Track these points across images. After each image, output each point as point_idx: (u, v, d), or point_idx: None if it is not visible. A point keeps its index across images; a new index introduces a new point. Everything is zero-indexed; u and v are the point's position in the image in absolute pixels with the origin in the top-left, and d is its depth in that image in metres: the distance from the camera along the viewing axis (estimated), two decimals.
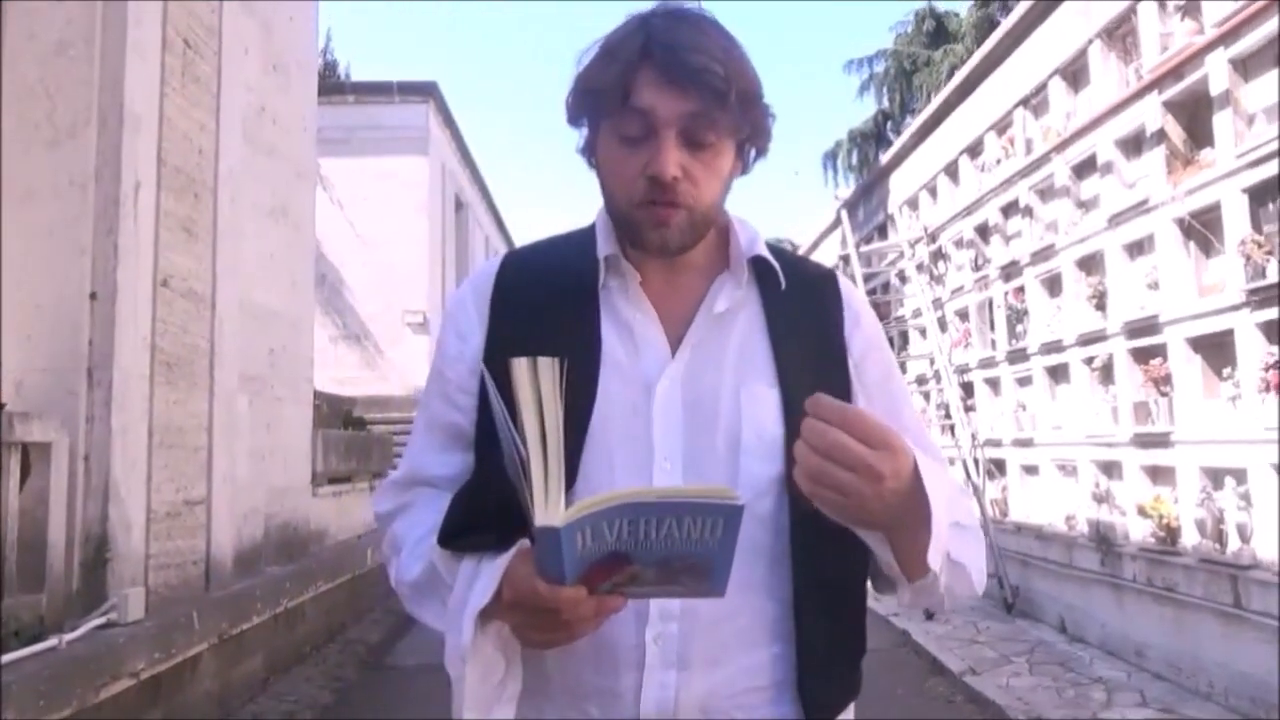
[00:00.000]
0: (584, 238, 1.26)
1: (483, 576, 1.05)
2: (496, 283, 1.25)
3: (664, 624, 1.10)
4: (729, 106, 1.10)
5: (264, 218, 6.85)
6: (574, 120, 1.22)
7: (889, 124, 26.27)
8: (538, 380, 0.95)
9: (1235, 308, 5.46)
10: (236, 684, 5.68)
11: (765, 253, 1.23)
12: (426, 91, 16.12)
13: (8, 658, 3.83)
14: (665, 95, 1.09)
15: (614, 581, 0.95)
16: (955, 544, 1.09)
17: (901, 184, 11.54)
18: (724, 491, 0.90)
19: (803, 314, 1.24)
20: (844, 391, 1.21)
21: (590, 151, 1.21)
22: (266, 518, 6.59)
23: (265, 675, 6.11)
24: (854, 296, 1.31)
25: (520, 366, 0.95)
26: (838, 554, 1.15)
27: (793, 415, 1.12)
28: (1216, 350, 5.78)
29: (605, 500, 0.88)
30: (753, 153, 1.22)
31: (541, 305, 1.20)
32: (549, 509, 0.90)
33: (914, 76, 25.73)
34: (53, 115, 4.83)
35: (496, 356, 1.07)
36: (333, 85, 15.62)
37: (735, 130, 1.14)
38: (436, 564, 1.14)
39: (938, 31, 26.43)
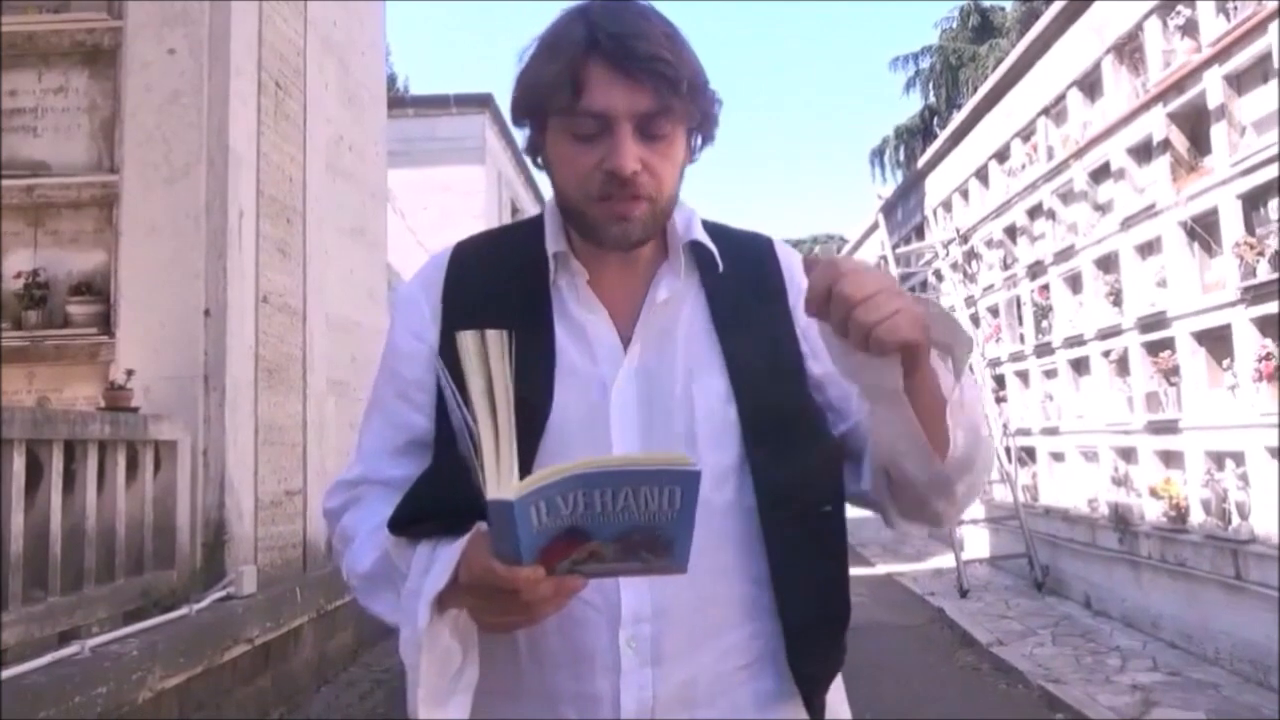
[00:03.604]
0: (533, 230, 1.22)
1: (439, 561, 1.01)
2: (447, 280, 1.22)
3: (636, 626, 1.08)
4: (682, 95, 1.08)
5: (344, 237, 7.57)
6: (518, 120, 1.18)
7: (935, 120, 26.46)
8: (485, 353, 0.92)
9: (1232, 304, 5.94)
10: (332, 654, 6.40)
11: (701, 236, 1.21)
12: (482, 103, 16.60)
13: (152, 622, 4.54)
14: (617, 88, 1.06)
15: (573, 560, 0.92)
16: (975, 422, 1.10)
17: (936, 187, 12.06)
18: (679, 458, 0.88)
19: (745, 293, 1.22)
20: (795, 364, 1.20)
21: (535, 151, 1.18)
22: None
23: (355, 647, 6.83)
24: (795, 263, 1.27)
25: (467, 340, 0.93)
26: (809, 529, 1.14)
27: (743, 401, 1.14)
28: (1218, 343, 6.26)
29: (559, 471, 0.86)
30: (699, 140, 1.19)
31: (494, 307, 1.16)
32: (501, 482, 0.87)
33: (960, 72, 25.92)
34: (169, 157, 5.54)
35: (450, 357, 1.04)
36: (392, 99, 16.15)
37: (688, 118, 1.12)
38: (390, 553, 1.10)
39: (983, 26, 26.61)
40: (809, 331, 1.19)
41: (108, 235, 5.65)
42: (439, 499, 1.06)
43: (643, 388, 1.15)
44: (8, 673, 3.52)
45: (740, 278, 1.22)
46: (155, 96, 5.57)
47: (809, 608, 1.14)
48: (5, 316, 5.48)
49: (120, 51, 5.65)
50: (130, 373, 5.05)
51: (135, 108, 5.58)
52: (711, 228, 1.24)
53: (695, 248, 1.21)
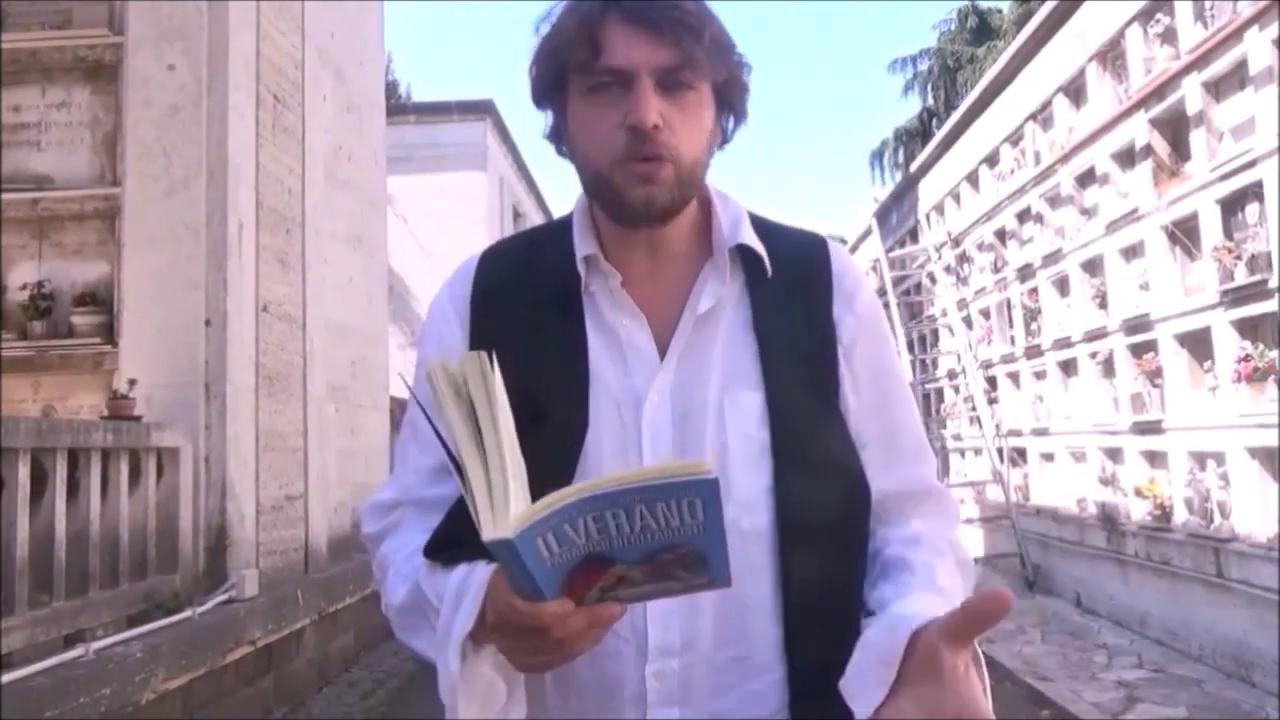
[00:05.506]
0: (562, 233, 1.15)
1: (467, 597, 0.94)
2: (474, 289, 1.17)
3: (664, 660, 1.03)
4: (705, 46, 1.01)
5: (343, 245, 7.70)
6: (540, 100, 1.11)
7: (934, 122, 26.50)
8: (463, 380, 0.85)
9: (1212, 307, 6.06)
10: (333, 655, 6.53)
11: (750, 240, 1.12)
12: (484, 109, 16.73)
13: (155, 625, 4.66)
14: (637, 41, 1.00)
15: (601, 587, 0.85)
16: None
17: (929, 191, 12.20)
18: (691, 466, 0.80)
19: (790, 300, 1.13)
20: (833, 387, 1.12)
21: (558, 137, 1.12)
22: (353, 510, 7.45)
23: (357, 649, 6.96)
24: (847, 272, 1.18)
25: (436, 372, 0.87)
26: (832, 569, 1.07)
27: (778, 419, 1.07)
28: (1200, 345, 6.38)
29: (559, 499, 0.79)
30: (731, 120, 1.12)
31: (523, 319, 1.11)
32: (496, 519, 0.80)
33: (958, 74, 25.99)
34: (169, 170, 5.65)
35: None
36: (394, 106, 16.21)
37: (712, 71, 1.04)
38: (421, 584, 1.04)
39: (981, 28, 26.64)
40: (853, 350, 1.14)
41: (110, 247, 5.75)
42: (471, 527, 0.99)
43: (678, 402, 1.08)
44: (13, 675, 3.64)
45: (787, 285, 1.14)
46: (155, 111, 5.69)
47: (822, 657, 1.02)
48: (11, 327, 5.61)
49: (121, 67, 5.76)
50: (133, 382, 5.17)
51: (136, 122, 5.69)
52: (760, 225, 1.16)
53: (742, 250, 1.13)
